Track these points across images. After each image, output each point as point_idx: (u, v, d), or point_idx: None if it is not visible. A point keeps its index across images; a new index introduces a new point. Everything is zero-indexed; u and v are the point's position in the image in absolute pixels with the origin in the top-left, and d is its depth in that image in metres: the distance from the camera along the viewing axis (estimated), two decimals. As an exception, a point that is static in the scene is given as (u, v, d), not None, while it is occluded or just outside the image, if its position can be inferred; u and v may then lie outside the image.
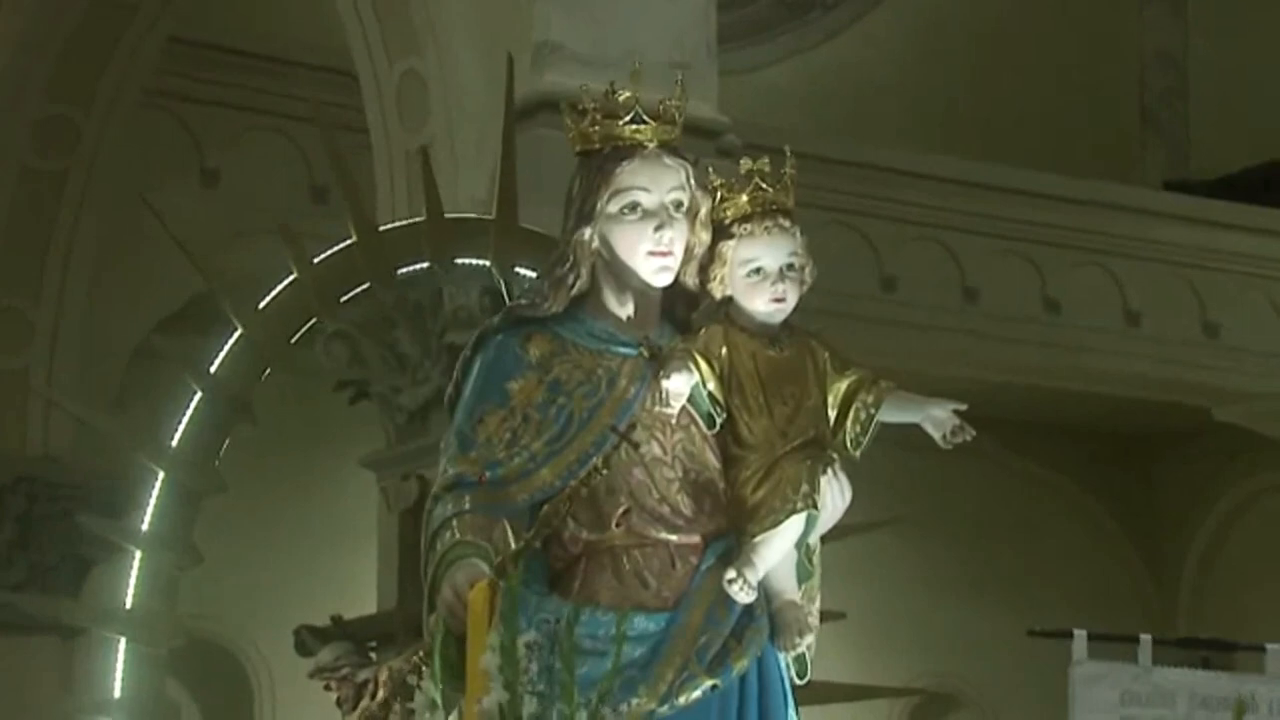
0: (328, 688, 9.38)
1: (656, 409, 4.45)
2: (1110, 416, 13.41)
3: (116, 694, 6.02)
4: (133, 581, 5.91)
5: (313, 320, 7.00)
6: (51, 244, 11.40)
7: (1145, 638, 8.37)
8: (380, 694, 9.16)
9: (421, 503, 9.48)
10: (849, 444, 4.51)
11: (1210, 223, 12.56)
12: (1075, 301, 12.29)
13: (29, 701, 10.81)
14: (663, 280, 4.51)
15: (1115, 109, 14.57)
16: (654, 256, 4.47)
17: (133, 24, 10.98)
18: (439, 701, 3.91)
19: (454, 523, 4.41)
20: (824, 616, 4.55)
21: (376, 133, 9.09)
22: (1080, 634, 8.38)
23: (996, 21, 14.40)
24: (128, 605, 5.99)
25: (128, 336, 11.55)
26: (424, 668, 4.12)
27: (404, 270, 7.35)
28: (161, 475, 5.92)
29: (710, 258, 4.53)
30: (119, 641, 5.93)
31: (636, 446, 4.38)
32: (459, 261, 7.45)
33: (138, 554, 5.94)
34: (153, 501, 5.88)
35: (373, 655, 9.43)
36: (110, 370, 11.46)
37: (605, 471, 4.32)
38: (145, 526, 5.96)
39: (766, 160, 4.55)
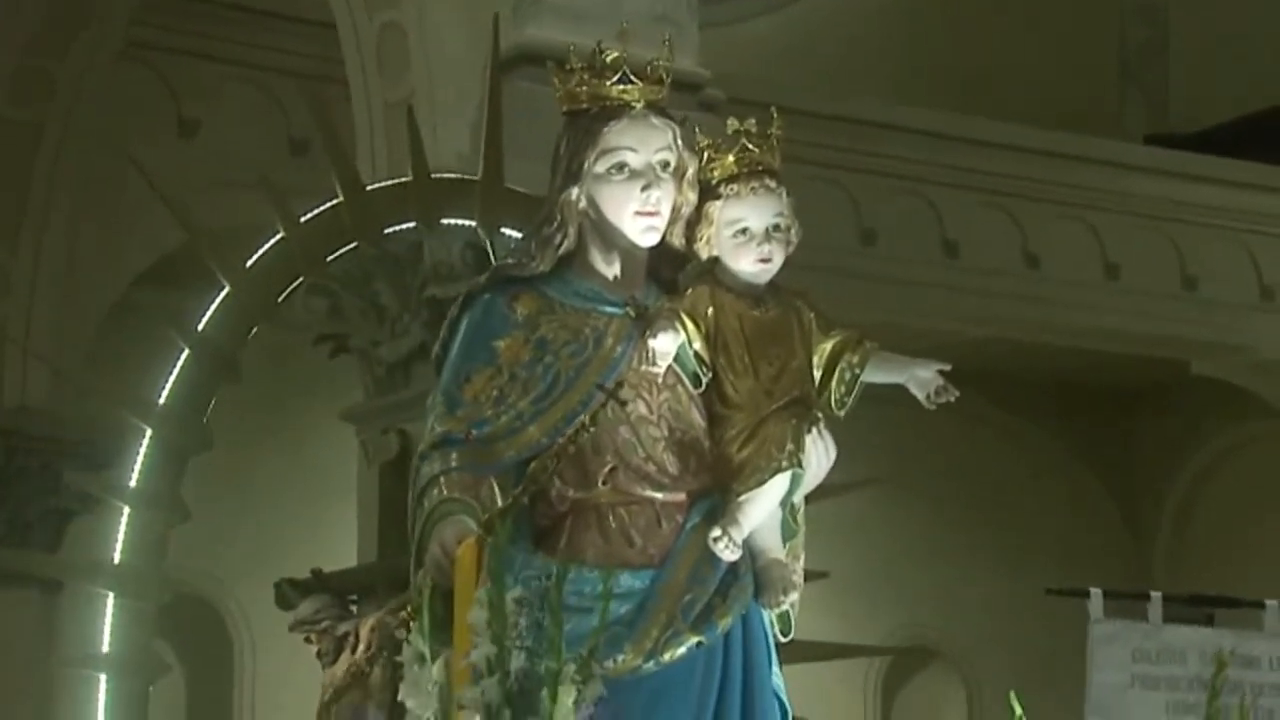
0: (308, 640, 9.41)
1: (643, 368, 4.48)
2: (1089, 370, 13.45)
3: (105, 648, 6.05)
4: (120, 538, 5.91)
5: (300, 279, 7.00)
6: (29, 196, 11.37)
7: (1156, 596, 8.39)
8: (361, 647, 9.20)
9: (402, 456, 9.57)
10: (834, 404, 4.54)
11: (1190, 176, 12.58)
12: (1055, 255, 12.30)
13: (10, 653, 10.83)
14: (649, 240, 4.53)
15: (1095, 63, 14.59)
16: (641, 216, 4.49)
17: (109, -26, 10.94)
18: (427, 656, 3.93)
19: (441, 480, 4.43)
20: (807, 575, 4.58)
21: (356, 85, 9.08)
22: (1096, 593, 8.40)
23: (977, -26, 14.40)
24: (116, 561, 6.00)
25: (106, 289, 11.53)
26: (412, 622, 4.14)
27: (391, 229, 7.35)
28: (149, 432, 5.92)
29: (697, 218, 4.55)
30: (107, 597, 5.94)
31: (624, 404, 4.40)
32: (445, 221, 7.45)
33: (126, 510, 5.95)
34: (140, 458, 5.89)
35: (353, 608, 9.46)
36: (88, 323, 11.45)
37: (592, 429, 4.35)
38: (133, 483, 5.97)
39: (753, 121, 4.57)
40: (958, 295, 12.04)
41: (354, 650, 9.20)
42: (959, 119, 12.31)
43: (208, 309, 6.17)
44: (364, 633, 9.19)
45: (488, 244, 7.07)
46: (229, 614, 13.38)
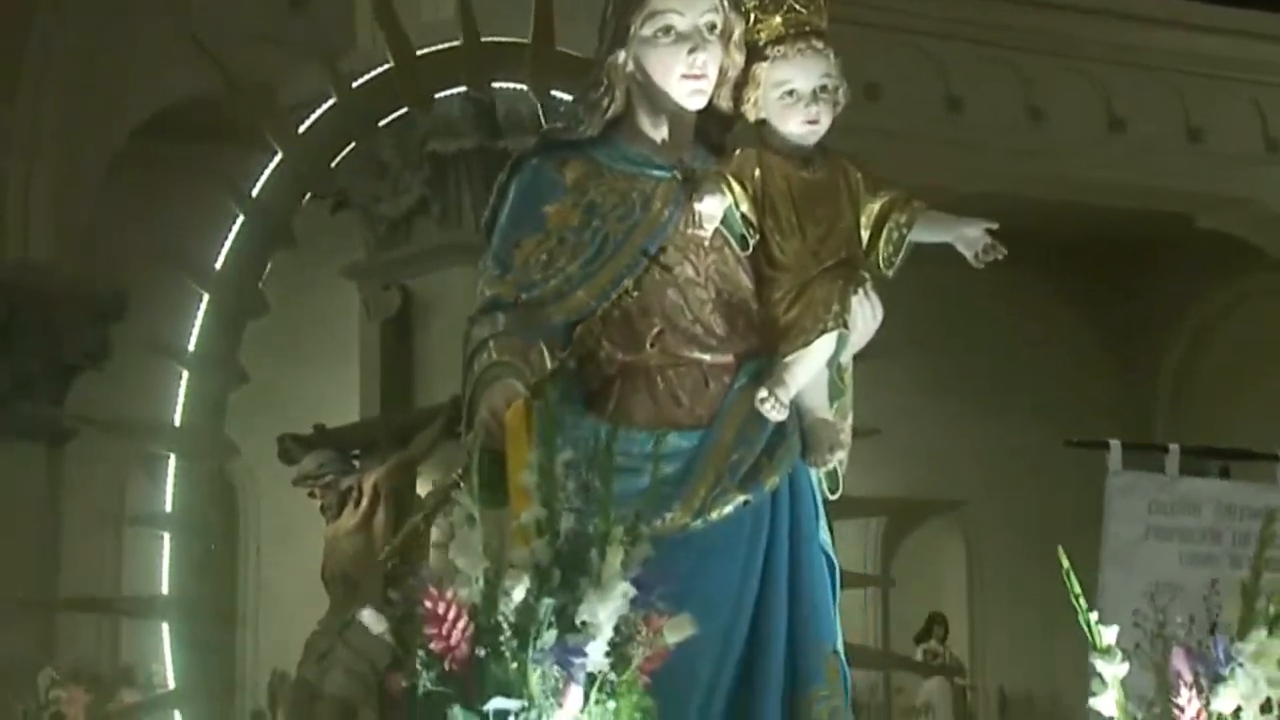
0: (312, 495, 9.48)
1: (690, 231, 4.49)
2: (1092, 226, 13.45)
3: (168, 508, 6.11)
4: (180, 401, 5.93)
5: (352, 144, 6.97)
6: (27, 51, 11.30)
7: (1174, 448, 8.41)
8: (365, 501, 9.27)
9: (403, 312, 9.60)
10: (882, 263, 4.55)
11: (1196, 27, 12.51)
12: (1059, 109, 12.27)
13: (17, 505, 10.89)
14: (696, 103, 4.51)
15: (1097, -86, 14.44)
16: (687, 80, 4.47)
17: None
18: (476, 517, 3.95)
19: (490, 344, 4.45)
20: (858, 432, 4.61)
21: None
22: (1115, 444, 8.40)
23: None
24: (176, 424, 6.04)
25: (106, 144, 11.48)
26: (462, 484, 4.17)
27: (441, 95, 7.31)
28: (206, 297, 5.92)
29: (744, 80, 4.54)
30: (169, 458, 5.98)
31: (668, 269, 4.42)
32: (496, 85, 7.41)
33: (184, 373, 5.97)
34: (198, 323, 5.89)
35: (356, 463, 9.53)
36: (89, 176, 11.40)
37: (636, 294, 4.36)
38: (191, 347, 5.99)
39: (801, -20, 4.53)
40: (961, 151, 12.02)
41: (356, 504, 9.28)
42: (962, -27, 12.23)
43: (261, 175, 6.12)
44: (367, 487, 9.27)
45: (538, 107, 7.05)
46: (234, 470, 13.43)
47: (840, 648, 4.51)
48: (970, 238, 4.47)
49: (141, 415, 8.12)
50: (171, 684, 6.00)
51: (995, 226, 4.47)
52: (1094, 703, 4.21)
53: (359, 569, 9.12)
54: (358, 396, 10.02)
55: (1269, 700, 4.11)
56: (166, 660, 5.97)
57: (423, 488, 9.30)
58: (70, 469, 11.31)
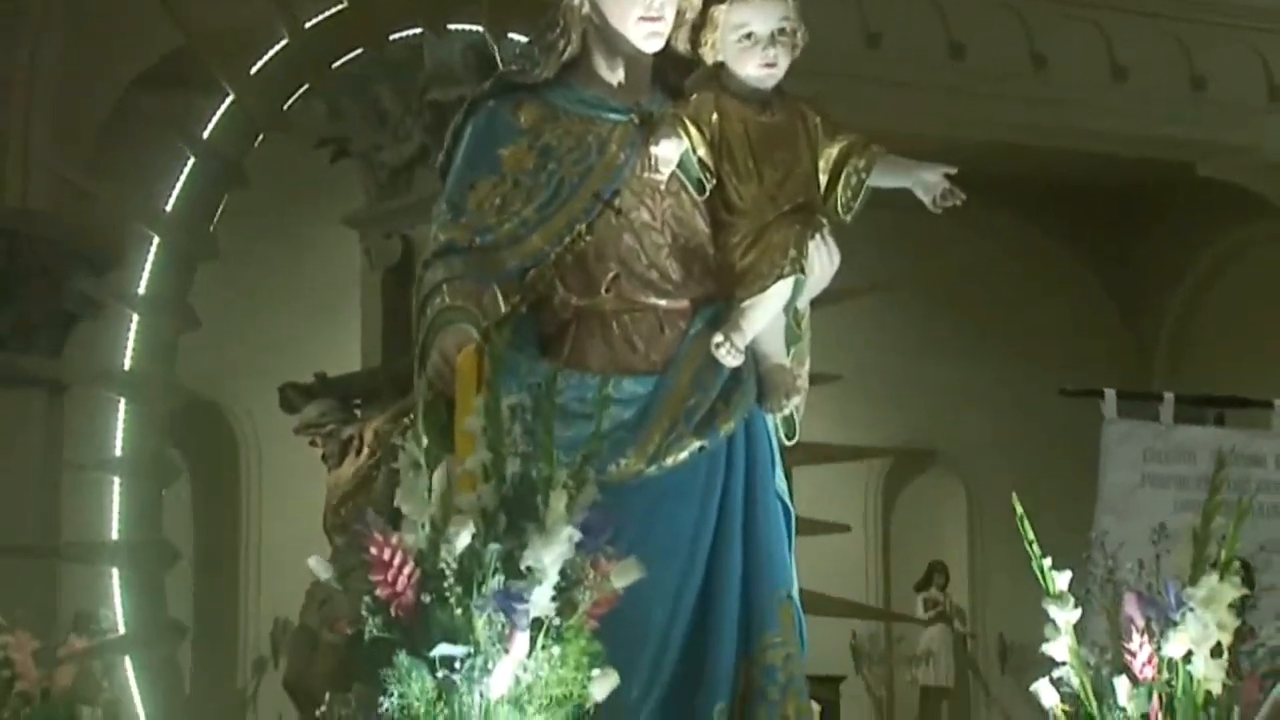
0: (313, 443, 9.49)
1: (646, 175, 4.46)
2: (1094, 174, 13.39)
3: (118, 452, 6.09)
4: (130, 344, 5.91)
5: (305, 85, 6.93)
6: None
7: (1168, 396, 8.42)
8: (366, 450, 9.28)
9: (404, 261, 9.58)
10: (840, 209, 4.52)
11: (1200, -26, 12.43)
12: (1062, 57, 12.19)
13: (16, 453, 10.90)
14: (653, 46, 4.48)
15: None
16: (645, 22, 4.44)
17: None
18: (422, 462, 3.94)
19: (444, 288, 4.43)
20: (817, 379, 4.60)
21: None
22: (1110, 393, 8.41)
23: None
24: (126, 367, 6.02)
25: (105, 94, 11.46)
26: (410, 430, 4.15)
27: (396, 35, 7.26)
28: (156, 239, 5.89)
29: (701, 22, 4.50)
30: (119, 402, 5.97)
31: (619, 213, 4.39)
32: (451, 27, 7.37)
33: (134, 316, 5.95)
34: (148, 265, 5.86)
35: (357, 412, 9.53)
36: (87, 127, 11.39)
37: (589, 238, 4.34)
38: (141, 289, 5.96)
39: (756, -76, 4.49)
40: (963, 98, 11.95)
41: (358, 453, 9.28)
42: (964, -86, 12.15)
43: (213, 116, 6.08)
44: (368, 436, 9.27)
45: (494, 49, 7.01)
46: (234, 417, 13.47)
47: (795, 594, 4.49)
48: (929, 183, 4.44)
49: (147, 364, 8.12)
50: (121, 629, 6.00)
51: (954, 171, 4.44)
52: (1046, 648, 4.21)
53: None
54: (359, 345, 10.02)
55: (1219, 645, 4.11)
56: (116, 605, 5.98)
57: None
58: (70, 417, 11.33)
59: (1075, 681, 4.17)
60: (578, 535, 3.87)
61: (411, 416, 4.21)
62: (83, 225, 11.02)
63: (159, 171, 6.57)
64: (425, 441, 3.94)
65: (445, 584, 3.82)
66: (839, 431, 11.66)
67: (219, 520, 13.50)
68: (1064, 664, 4.20)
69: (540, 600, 3.84)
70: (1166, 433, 8.34)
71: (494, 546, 3.86)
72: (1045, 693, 4.19)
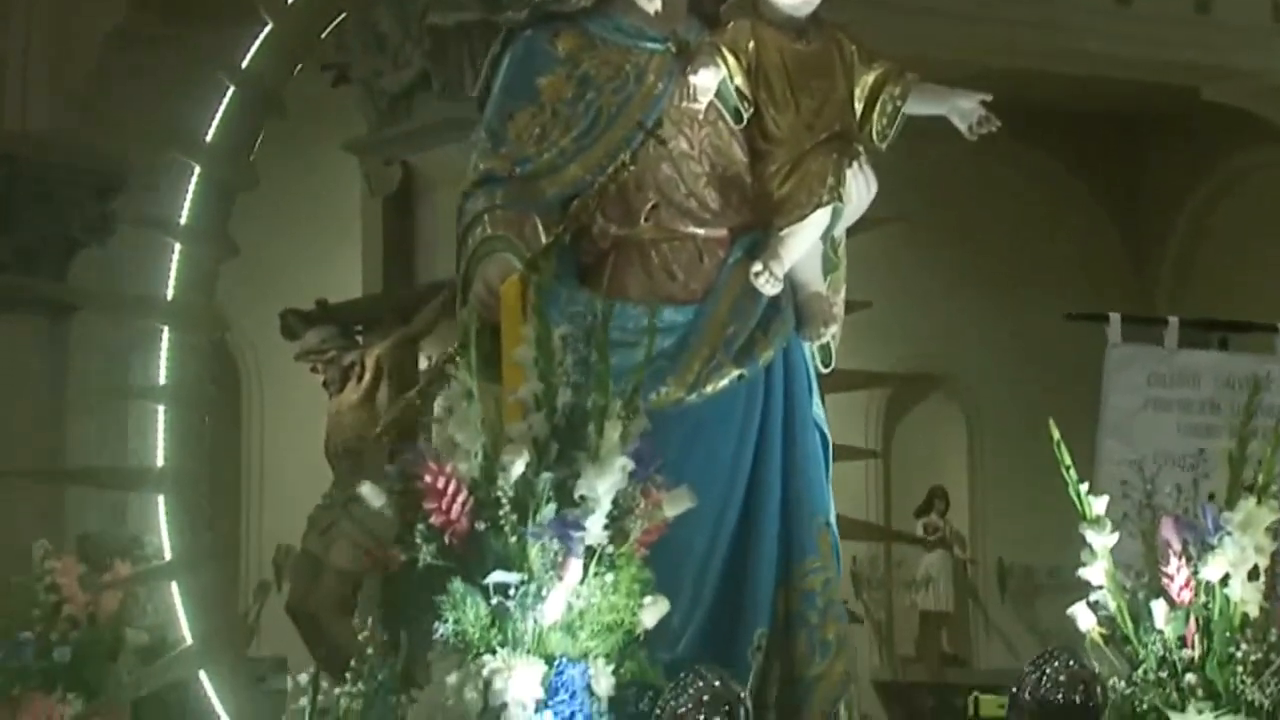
0: (314, 370, 9.52)
1: (684, 104, 4.48)
2: (1099, 99, 13.35)
3: (162, 380, 6.12)
4: (173, 274, 5.92)
5: (342, 15, 6.87)
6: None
7: (1173, 320, 8.41)
8: (368, 376, 9.31)
9: (404, 188, 9.57)
10: (875, 136, 4.55)
11: (1205, -107, 12.33)
12: (1068, -19, 12.10)
13: (18, 378, 10.89)
14: (690, -26, 4.51)
15: None
16: (681, -51, 4.46)
17: None
18: (474, 392, 3.97)
19: (485, 218, 4.44)
20: (851, 306, 4.63)
21: None
22: (1115, 317, 8.41)
23: None
24: (169, 297, 6.04)
25: (106, 15, 11.39)
26: (459, 359, 4.18)
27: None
28: (197, 169, 5.89)
29: (738, -49, 4.52)
30: (162, 331, 5.99)
31: (663, 142, 4.41)
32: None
33: (176, 246, 5.96)
34: (189, 195, 5.86)
35: (359, 338, 9.55)
36: (87, 50, 11.32)
37: (633, 168, 4.35)
38: (183, 220, 5.97)
39: None
40: (970, 24, 11.88)
41: (359, 379, 9.31)
42: None
43: (251, 46, 6.05)
44: (369, 362, 9.30)
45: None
46: (235, 344, 13.46)
47: (833, 520, 4.54)
48: (965, 109, 4.47)
49: (140, 290, 8.12)
50: (168, 555, 6.05)
51: (989, 98, 4.46)
52: (1083, 573, 4.24)
53: (362, 443, 9.17)
54: (360, 272, 10.02)
55: (1256, 568, 4.14)
56: (162, 532, 6.03)
57: (425, 363, 9.33)
58: (74, 344, 11.32)
59: (1112, 605, 4.21)
60: (630, 465, 3.92)
61: (457, 345, 4.24)
62: (83, 147, 10.96)
63: (167, 96, 6.54)
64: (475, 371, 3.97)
65: (500, 512, 3.86)
66: (840, 359, 11.68)
67: (220, 446, 13.50)
68: (1100, 588, 4.23)
69: (594, 528, 3.89)
70: (1170, 357, 8.35)
71: (546, 475, 3.90)
72: (1082, 616, 4.23)
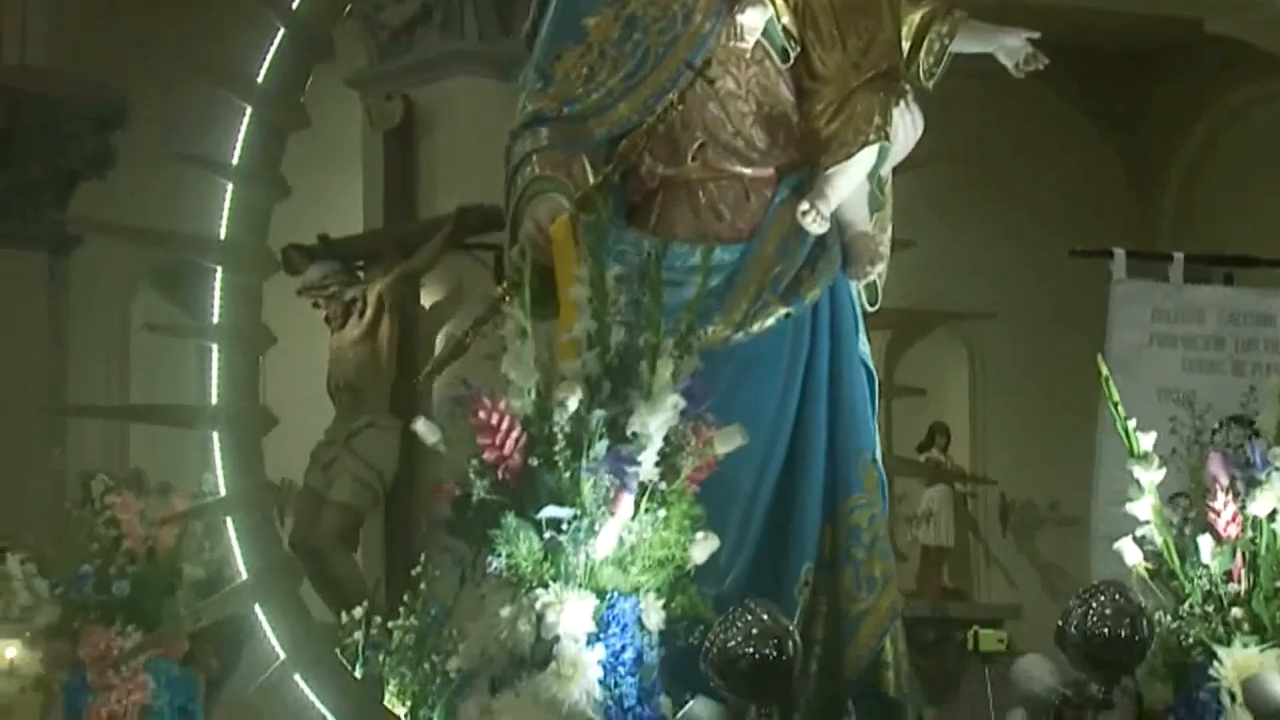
0: (316, 305, 9.51)
1: (731, 44, 4.50)
2: (1101, 32, 13.31)
3: (215, 320, 6.14)
4: (225, 214, 5.93)
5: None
6: None
7: (1178, 256, 8.41)
8: (370, 312, 9.31)
9: (405, 122, 9.55)
10: (922, 75, 4.57)
11: None
12: (1071, -86, 12.06)
13: (19, 312, 10.89)
14: (737, -88, 4.50)
15: None
16: (728, -112, 4.46)
17: None
18: (528, 330, 4.00)
19: (533, 158, 4.47)
20: (895, 245, 4.65)
21: None
22: (1119, 253, 8.41)
23: None
24: (221, 237, 6.04)
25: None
26: (509, 297, 4.20)
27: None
28: (249, 110, 5.90)
29: (783, -109, 4.52)
30: (215, 271, 6.00)
31: (711, 82, 4.42)
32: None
33: (229, 187, 5.96)
34: (241, 136, 5.87)
35: (360, 274, 9.55)
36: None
37: (680, 107, 4.36)
38: (235, 161, 5.97)
39: None
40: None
41: (361, 315, 9.32)
42: None
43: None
44: (371, 298, 9.30)
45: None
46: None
47: (879, 456, 4.57)
48: (1012, 47, 4.50)
49: (149, 224, 8.10)
50: (223, 491, 6.08)
51: (1037, 36, 4.48)
52: (1130, 508, 4.27)
53: (363, 379, 9.17)
54: (361, 207, 10.00)
55: (1304, 503, 4.17)
56: (217, 468, 6.07)
57: (426, 299, 9.33)
58: (75, 278, 11.31)
59: (1158, 540, 4.24)
60: (682, 402, 3.95)
61: (509, 284, 4.27)
62: (87, 81, 10.92)
63: (219, 40, 6.50)
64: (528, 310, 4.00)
65: (554, 448, 3.90)
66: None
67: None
68: (1146, 523, 4.26)
69: (645, 465, 3.93)
70: (1175, 292, 8.37)
71: (599, 412, 3.94)
72: (1129, 550, 4.26)
